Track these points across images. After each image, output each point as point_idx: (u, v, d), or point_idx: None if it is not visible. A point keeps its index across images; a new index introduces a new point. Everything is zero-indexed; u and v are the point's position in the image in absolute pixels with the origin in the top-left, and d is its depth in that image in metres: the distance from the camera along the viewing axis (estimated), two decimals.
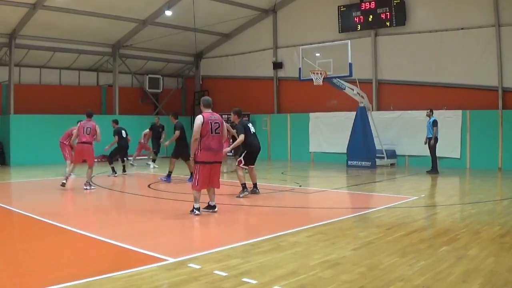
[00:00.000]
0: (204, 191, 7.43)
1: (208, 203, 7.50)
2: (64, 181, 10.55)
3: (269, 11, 20.45)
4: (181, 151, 12.09)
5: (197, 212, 7.26)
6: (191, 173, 10.77)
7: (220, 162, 7.54)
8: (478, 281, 4.06)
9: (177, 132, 11.93)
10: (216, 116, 7.42)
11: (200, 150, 7.20)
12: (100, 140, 11.05)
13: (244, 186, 9.17)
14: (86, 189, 10.32)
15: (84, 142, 10.57)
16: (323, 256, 4.91)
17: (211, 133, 7.22)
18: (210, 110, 7.46)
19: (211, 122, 7.24)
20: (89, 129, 10.68)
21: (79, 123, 11.07)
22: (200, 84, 23.86)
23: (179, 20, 19.10)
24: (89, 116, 11.19)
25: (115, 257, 5.08)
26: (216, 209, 7.47)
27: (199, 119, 7.24)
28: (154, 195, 9.79)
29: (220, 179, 7.60)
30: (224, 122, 7.50)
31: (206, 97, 7.76)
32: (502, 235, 5.84)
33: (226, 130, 7.57)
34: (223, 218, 7.36)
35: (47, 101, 19.62)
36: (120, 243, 5.45)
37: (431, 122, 13.60)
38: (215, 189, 7.52)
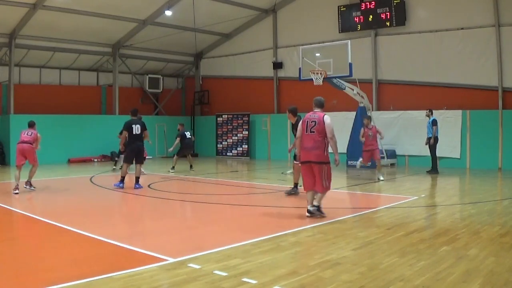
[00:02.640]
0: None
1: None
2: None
3: (269, 11, 20.45)
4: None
5: (307, 214, 7.06)
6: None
7: (318, 162, 6.99)
8: (478, 281, 4.06)
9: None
10: (317, 115, 7.08)
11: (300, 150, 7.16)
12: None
13: (296, 185, 9.48)
14: None
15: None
16: (323, 256, 4.91)
17: (306, 132, 7.06)
18: (318, 110, 7.21)
19: (307, 121, 7.08)
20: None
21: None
22: (200, 84, 23.87)
23: (179, 20, 19.10)
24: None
25: (115, 257, 5.08)
26: (316, 209, 7.05)
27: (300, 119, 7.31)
28: (154, 195, 9.78)
29: (323, 182, 7.02)
30: (324, 121, 6.97)
31: (318, 97, 7.39)
32: (502, 235, 5.84)
33: (328, 130, 6.96)
34: (223, 218, 7.36)
35: (47, 101, 19.62)
36: (120, 243, 5.45)
37: (430, 122, 13.62)
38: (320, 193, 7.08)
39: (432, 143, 13.56)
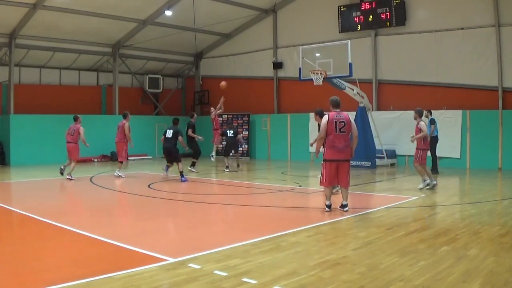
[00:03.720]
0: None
1: (342, 202, 7.62)
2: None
3: (269, 11, 20.45)
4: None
5: (327, 209, 7.51)
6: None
7: (348, 160, 7.58)
8: (478, 281, 4.06)
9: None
10: (342, 115, 7.54)
11: (326, 148, 7.46)
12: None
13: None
14: None
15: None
16: (323, 256, 4.92)
17: (336, 132, 7.38)
18: (338, 110, 7.65)
19: (336, 121, 7.41)
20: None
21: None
22: (200, 84, 23.88)
23: (179, 20, 19.10)
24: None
25: (115, 257, 5.08)
26: (346, 209, 7.50)
27: (325, 118, 7.50)
28: (154, 195, 9.78)
29: (349, 178, 7.68)
30: (351, 121, 7.57)
31: (334, 97, 7.90)
32: (502, 235, 5.84)
33: (354, 129, 7.58)
34: (223, 218, 7.36)
35: (47, 101, 19.63)
36: (120, 243, 5.45)
37: (429, 121, 13.57)
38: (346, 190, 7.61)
39: (429, 139, 13.49)
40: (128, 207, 9.00)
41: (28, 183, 12.17)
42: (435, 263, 4.60)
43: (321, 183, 7.68)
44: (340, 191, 8.17)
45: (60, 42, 18.80)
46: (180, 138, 12.40)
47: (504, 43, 14.78)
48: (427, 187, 9.99)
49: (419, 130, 10.16)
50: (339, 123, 7.41)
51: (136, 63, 22.26)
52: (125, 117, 13.47)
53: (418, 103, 16.17)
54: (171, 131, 12.51)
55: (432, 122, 13.55)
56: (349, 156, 7.54)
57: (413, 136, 10.45)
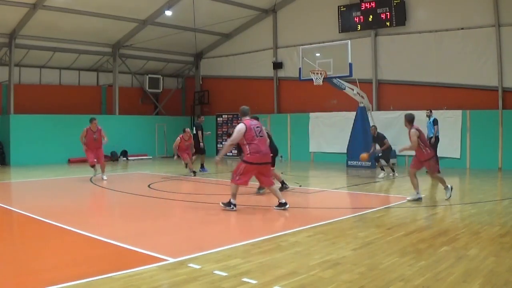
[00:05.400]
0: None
1: (279, 201, 7.88)
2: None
3: (269, 11, 20.45)
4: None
5: (234, 208, 7.68)
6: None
7: (270, 163, 8.14)
8: (478, 281, 4.06)
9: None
10: (256, 121, 8.12)
11: (251, 153, 7.74)
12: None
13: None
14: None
15: None
16: (323, 256, 4.91)
17: (256, 136, 7.76)
18: (248, 118, 8.05)
19: (253, 128, 7.81)
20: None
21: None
22: (200, 84, 23.87)
23: (179, 20, 19.10)
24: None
25: (115, 257, 5.08)
26: (287, 206, 7.77)
27: (242, 127, 7.80)
28: (154, 195, 9.78)
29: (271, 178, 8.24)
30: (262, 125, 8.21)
31: (244, 107, 8.31)
32: (502, 235, 5.84)
33: (266, 132, 8.18)
34: (223, 218, 7.36)
35: (47, 101, 19.63)
36: (120, 243, 5.45)
37: (431, 122, 13.62)
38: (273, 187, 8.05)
39: (433, 141, 13.53)
40: (128, 207, 8.99)
41: (28, 183, 12.17)
42: (435, 263, 4.60)
43: (233, 181, 7.76)
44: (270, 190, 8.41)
45: (60, 42, 18.80)
46: (198, 132, 14.50)
47: (504, 43, 14.78)
48: (418, 199, 8.64)
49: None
50: (256, 128, 7.80)
51: (136, 63, 22.26)
52: (91, 122, 12.50)
53: (418, 103, 16.23)
54: (194, 127, 14.95)
55: (435, 122, 13.56)
56: (270, 158, 8.06)
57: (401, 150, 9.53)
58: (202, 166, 14.85)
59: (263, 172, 7.87)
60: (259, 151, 7.68)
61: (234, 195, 7.70)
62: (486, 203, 8.32)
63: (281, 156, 12.33)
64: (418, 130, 8.58)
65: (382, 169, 13.22)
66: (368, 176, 13.40)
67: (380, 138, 13.40)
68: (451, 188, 8.89)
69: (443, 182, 8.99)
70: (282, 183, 9.97)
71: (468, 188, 11.40)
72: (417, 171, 8.88)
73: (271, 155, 8.83)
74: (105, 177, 12.45)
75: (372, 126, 13.87)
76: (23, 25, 16.94)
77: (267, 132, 8.65)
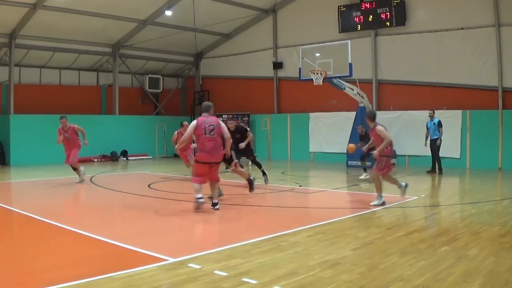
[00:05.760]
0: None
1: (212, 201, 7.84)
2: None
3: (269, 11, 20.45)
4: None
5: (199, 200, 7.62)
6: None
7: (218, 163, 7.83)
8: (478, 281, 4.06)
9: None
10: (211, 119, 7.75)
11: (198, 151, 7.73)
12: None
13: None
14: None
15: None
16: (323, 256, 4.91)
17: (205, 135, 7.57)
18: (206, 114, 7.80)
19: (204, 126, 7.59)
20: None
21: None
22: (200, 84, 23.87)
23: (179, 20, 19.10)
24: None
25: (115, 257, 5.08)
26: (217, 207, 7.71)
27: (193, 123, 7.69)
28: (154, 195, 9.79)
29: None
30: (220, 124, 7.79)
31: (205, 102, 8.16)
32: (502, 235, 5.84)
33: (224, 132, 7.78)
34: (223, 217, 7.36)
35: (47, 101, 19.63)
36: (120, 243, 5.45)
37: (436, 124, 13.53)
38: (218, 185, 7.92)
39: (439, 143, 13.51)
40: (128, 207, 8.98)
41: (28, 183, 12.17)
42: (435, 263, 4.60)
43: (193, 180, 7.77)
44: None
45: (60, 42, 18.80)
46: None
47: (504, 43, 14.78)
48: (381, 205, 8.09)
49: (377, 136, 8.23)
50: (208, 126, 7.59)
51: (136, 63, 22.26)
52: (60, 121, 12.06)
53: (418, 103, 16.24)
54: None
55: (440, 125, 13.50)
56: (219, 158, 7.79)
57: (371, 150, 9.15)
58: None
59: (210, 171, 7.74)
60: (203, 150, 7.57)
61: (197, 191, 7.60)
62: (486, 203, 8.32)
63: (253, 158, 12.04)
64: (383, 126, 8.27)
65: (365, 170, 12.67)
66: (368, 176, 13.38)
67: (369, 137, 12.44)
68: (406, 186, 8.66)
69: (396, 182, 8.63)
70: (250, 181, 9.45)
71: (468, 188, 11.40)
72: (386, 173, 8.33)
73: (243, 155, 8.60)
74: (78, 180, 11.76)
75: (360, 125, 13.22)
76: (23, 25, 16.94)
77: (235, 132, 8.58)
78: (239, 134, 11.05)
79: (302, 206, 8.83)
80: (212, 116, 7.84)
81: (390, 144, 8.18)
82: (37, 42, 18.33)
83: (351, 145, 11.76)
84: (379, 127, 8.14)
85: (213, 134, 7.58)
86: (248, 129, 12.51)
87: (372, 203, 8.15)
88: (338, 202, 9.27)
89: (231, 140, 8.20)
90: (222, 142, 7.78)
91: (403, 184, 8.64)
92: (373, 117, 8.34)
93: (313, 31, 18.83)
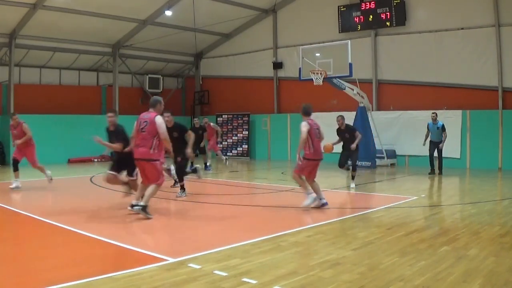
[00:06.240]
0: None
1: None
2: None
3: (269, 11, 20.45)
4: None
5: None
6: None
7: (141, 159, 7.24)
8: (478, 281, 4.06)
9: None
10: (149, 115, 7.24)
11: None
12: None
13: None
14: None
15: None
16: (323, 256, 4.92)
17: (139, 131, 7.22)
18: (151, 109, 7.37)
19: (140, 121, 7.25)
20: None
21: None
22: (200, 84, 23.87)
23: (179, 20, 19.10)
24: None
25: (115, 257, 5.08)
26: (136, 208, 7.17)
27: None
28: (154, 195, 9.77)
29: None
30: (156, 122, 7.11)
31: (153, 97, 7.64)
32: (502, 235, 5.84)
33: (158, 129, 7.12)
34: (223, 218, 7.36)
35: (47, 101, 19.62)
36: (120, 243, 5.45)
37: (440, 128, 13.31)
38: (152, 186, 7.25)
39: (442, 147, 13.39)
40: (128, 207, 8.98)
41: (28, 183, 12.16)
42: (435, 263, 4.60)
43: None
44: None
45: (60, 42, 18.79)
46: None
47: (504, 43, 14.78)
48: (317, 204, 7.84)
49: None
50: (143, 122, 7.19)
51: (136, 63, 22.25)
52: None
53: (418, 103, 16.24)
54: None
55: (444, 128, 13.24)
56: (140, 155, 7.20)
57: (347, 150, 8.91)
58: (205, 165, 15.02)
59: (140, 169, 7.41)
60: (134, 145, 7.33)
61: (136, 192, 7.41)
62: (486, 203, 8.32)
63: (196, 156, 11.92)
64: (311, 124, 7.76)
65: (353, 178, 10.92)
66: (368, 176, 13.38)
67: (350, 131, 10.82)
68: (313, 198, 7.78)
69: (305, 188, 7.93)
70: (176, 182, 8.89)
71: (468, 188, 11.41)
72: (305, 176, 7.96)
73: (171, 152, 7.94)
74: (48, 174, 11.09)
75: (339, 116, 11.06)
76: (23, 25, 16.93)
77: (172, 130, 8.34)
78: (177, 132, 9.63)
79: (302, 206, 8.82)
80: (154, 112, 7.26)
81: (304, 142, 7.66)
82: (37, 42, 18.32)
83: (329, 145, 9.99)
84: (303, 123, 7.77)
85: (143, 131, 7.19)
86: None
87: (303, 204, 7.73)
88: (338, 202, 9.26)
89: (189, 137, 8.17)
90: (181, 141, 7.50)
91: (312, 196, 7.81)
92: (305, 113, 7.89)
93: (313, 31, 18.83)
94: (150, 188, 7.19)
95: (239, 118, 21.47)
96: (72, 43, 19.14)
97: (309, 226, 6.48)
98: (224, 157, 16.59)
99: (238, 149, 21.46)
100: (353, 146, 10.59)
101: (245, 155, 21.11)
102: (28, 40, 18.00)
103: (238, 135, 21.44)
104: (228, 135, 21.75)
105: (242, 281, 4.12)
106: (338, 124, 10.92)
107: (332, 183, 12.19)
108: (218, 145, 16.94)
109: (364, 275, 4.26)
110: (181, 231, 6.55)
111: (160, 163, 7.34)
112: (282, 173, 14.59)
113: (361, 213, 7.66)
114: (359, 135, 10.69)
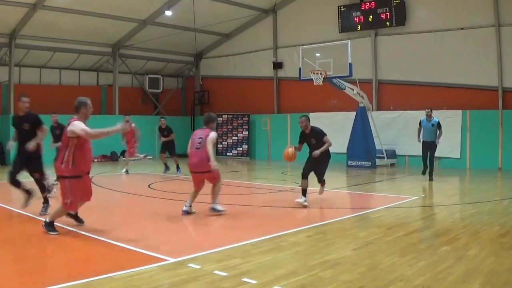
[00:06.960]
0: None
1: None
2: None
3: (269, 11, 20.45)
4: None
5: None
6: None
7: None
8: (478, 281, 4.06)
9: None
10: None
11: None
12: None
13: None
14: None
15: None
16: (323, 256, 4.91)
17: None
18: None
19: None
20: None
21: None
22: (200, 84, 23.88)
23: (179, 20, 19.10)
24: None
25: (115, 257, 5.08)
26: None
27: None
28: (154, 195, 9.79)
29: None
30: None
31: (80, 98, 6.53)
32: (502, 235, 5.84)
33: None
34: (223, 218, 7.35)
35: (47, 101, 19.60)
36: (120, 243, 5.45)
37: (435, 125, 12.16)
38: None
39: (438, 143, 13.02)
40: (128, 207, 8.98)
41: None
42: (435, 263, 4.60)
43: None
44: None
45: (60, 42, 18.79)
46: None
47: (504, 43, 14.78)
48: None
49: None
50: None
51: (136, 63, 22.25)
52: None
53: (418, 103, 16.22)
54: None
55: (440, 126, 12.19)
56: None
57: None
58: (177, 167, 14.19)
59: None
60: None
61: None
62: (486, 203, 8.32)
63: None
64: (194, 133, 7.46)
65: (304, 194, 8.46)
66: (368, 176, 13.38)
67: (316, 135, 8.77)
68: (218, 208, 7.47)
69: (193, 198, 7.54)
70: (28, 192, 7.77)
71: (468, 188, 11.41)
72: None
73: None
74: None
75: (302, 116, 8.79)
76: (23, 25, 16.94)
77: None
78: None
79: (302, 206, 8.81)
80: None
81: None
82: (37, 42, 18.33)
83: (290, 151, 9.04)
84: (212, 134, 7.26)
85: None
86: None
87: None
88: (338, 202, 9.27)
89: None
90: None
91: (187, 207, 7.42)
92: (206, 122, 7.41)
93: (313, 31, 18.83)
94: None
95: (239, 118, 21.46)
96: (72, 43, 19.15)
97: (309, 226, 6.48)
98: (141, 155, 15.52)
99: (238, 149, 21.46)
100: (317, 153, 8.47)
101: (245, 155, 21.11)
102: (28, 40, 18.01)
103: (238, 135, 21.44)
104: (228, 135, 21.76)
105: (242, 281, 4.12)
106: (301, 127, 8.73)
107: (332, 183, 12.19)
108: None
109: (364, 275, 4.26)
110: (181, 231, 6.55)
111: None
112: (282, 173, 14.60)
113: (361, 213, 7.66)
114: (328, 141, 8.61)
